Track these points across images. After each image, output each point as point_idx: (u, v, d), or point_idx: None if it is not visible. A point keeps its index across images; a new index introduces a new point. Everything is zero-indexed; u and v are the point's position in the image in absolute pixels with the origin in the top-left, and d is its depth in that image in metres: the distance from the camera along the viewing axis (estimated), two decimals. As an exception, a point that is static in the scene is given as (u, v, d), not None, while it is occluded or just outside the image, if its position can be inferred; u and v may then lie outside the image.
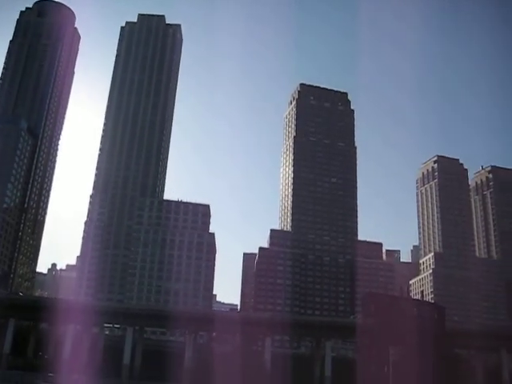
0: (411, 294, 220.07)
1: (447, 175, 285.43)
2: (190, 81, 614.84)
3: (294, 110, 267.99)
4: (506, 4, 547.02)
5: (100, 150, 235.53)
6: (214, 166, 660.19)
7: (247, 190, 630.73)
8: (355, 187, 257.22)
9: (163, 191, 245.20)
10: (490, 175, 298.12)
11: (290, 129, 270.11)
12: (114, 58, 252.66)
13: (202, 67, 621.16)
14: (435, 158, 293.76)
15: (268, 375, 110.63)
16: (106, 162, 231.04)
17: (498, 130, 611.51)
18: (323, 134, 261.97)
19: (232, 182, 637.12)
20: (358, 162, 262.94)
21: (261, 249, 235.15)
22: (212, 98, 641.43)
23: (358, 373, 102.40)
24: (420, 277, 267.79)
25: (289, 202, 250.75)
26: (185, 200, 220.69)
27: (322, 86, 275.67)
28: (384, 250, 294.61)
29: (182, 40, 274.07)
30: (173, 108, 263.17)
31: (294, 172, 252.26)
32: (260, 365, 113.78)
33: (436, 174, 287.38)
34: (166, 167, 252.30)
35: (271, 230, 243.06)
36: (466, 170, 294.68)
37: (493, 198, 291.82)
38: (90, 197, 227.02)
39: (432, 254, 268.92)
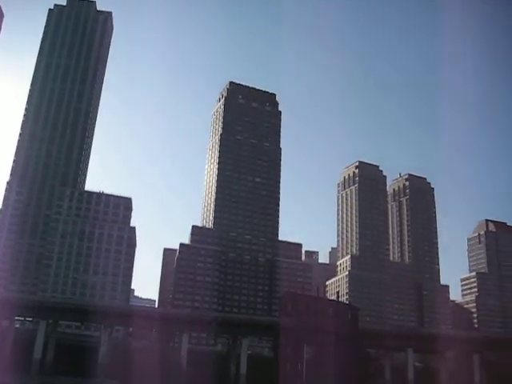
0: (327, 295, 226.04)
1: (367, 181, 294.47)
2: (118, 71, 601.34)
3: (222, 107, 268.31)
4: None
5: (20, 134, 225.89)
6: (137, 159, 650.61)
7: (171, 186, 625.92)
8: (278, 188, 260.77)
9: (85, 182, 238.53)
10: (407, 183, 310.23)
11: (217, 126, 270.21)
12: (39, 41, 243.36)
13: (131, 58, 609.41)
14: (356, 164, 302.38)
15: (184, 372, 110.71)
16: (25, 148, 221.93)
17: (415, 139, 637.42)
18: (250, 133, 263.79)
19: (156, 177, 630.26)
20: (282, 163, 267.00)
21: (181, 245, 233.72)
22: (140, 90, 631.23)
23: (273, 370, 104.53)
24: (336, 278, 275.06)
25: (212, 199, 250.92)
26: (107, 192, 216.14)
27: (251, 85, 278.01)
28: (303, 251, 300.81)
29: (112, 28, 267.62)
30: (99, 97, 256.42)
31: (218, 169, 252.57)
32: (176, 361, 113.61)
33: (357, 179, 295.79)
34: (88, 157, 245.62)
35: (193, 227, 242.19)
36: (385, 176, 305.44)
37: (408, 204, 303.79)
38: (7, 183, 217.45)
39: (349, 256, 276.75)
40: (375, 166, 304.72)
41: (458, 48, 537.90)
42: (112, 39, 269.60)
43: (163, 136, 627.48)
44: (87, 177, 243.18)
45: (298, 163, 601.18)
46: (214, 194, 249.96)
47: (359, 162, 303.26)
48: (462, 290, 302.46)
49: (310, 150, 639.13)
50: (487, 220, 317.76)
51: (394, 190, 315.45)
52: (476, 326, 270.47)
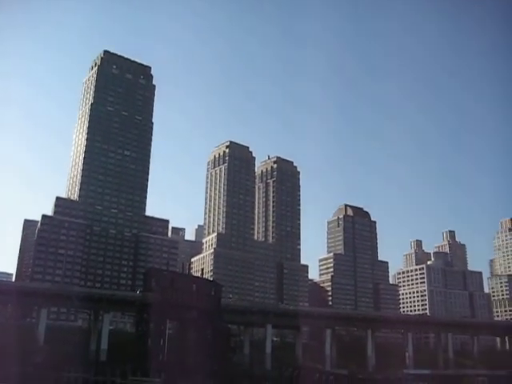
0: (192, 271, 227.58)
1: (236, 161, 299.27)
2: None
3: (95, 76, 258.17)
4: None
5: None
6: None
7: (34, 154, 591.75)
8: (148, 162, 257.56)
9: None
10: (275, 165, 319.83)
11: (88, 95, 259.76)
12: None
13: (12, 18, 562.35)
14: (227, 143, 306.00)
15: (41, 348, 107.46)
16: None
17: (286, 122, 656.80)
18: (122, 105, 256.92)
19: (19, 144, 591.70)
20: (153, 137, 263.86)
21: (44, 216, 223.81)
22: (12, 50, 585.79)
23: (135, 346, 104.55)
24: (202, 255, 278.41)
25: (78, 171, 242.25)
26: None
27: (126, 56, 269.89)
28: (170, 227, 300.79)
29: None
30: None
31: (87, 140, 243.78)
32: (33, 337, 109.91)
33: (226, 158, 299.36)
34: None
35: (57, 198, 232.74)
36: (254, 157, 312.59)
37: (275, 186, 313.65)
38: None
39: (215, 234, 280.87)
40: (245, 146, 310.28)
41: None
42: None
43: (33, 101, 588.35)
44: None
45: (170, 139, 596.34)
46: (81, 165, 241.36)
47: (230, 141, 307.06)
48: (320, 270, 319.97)
49: (183, 127, 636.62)
50: (346, 205, 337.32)
51: (262, 171, 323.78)
52: (330, 303, 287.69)
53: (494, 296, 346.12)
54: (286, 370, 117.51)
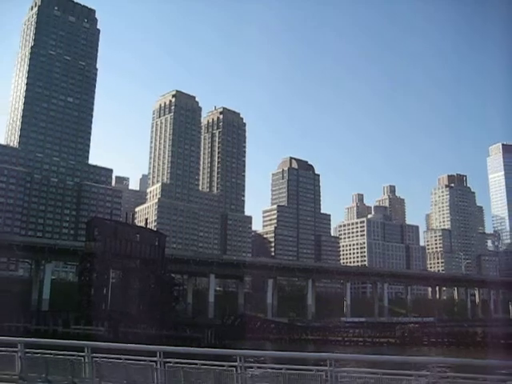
0: (136, 221, 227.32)
1: (182, 110, 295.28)
2: None
3: (35, 17, 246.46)
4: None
5: None
6: None
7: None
8: (91, 109, 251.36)
9: None
10: (221, 116, 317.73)
11: (28, 37, 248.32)
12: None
13: None
14: (174, 92, 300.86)
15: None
16: None
17: (232, 71, 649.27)
18: (64, 49, 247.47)
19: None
20: (97, 84, 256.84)
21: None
22: None
23: (78, 295, 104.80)
24: (146, 205, 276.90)
25: (18, 117, 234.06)
26: None
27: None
28: (114, 176, 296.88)
29: None
30: None
31: (27, 85, 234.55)
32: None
33: (172, 107, 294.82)
34: None
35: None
36: (201, 108, 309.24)
37: (220, 137, 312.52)
38: None
39: (159, 184, 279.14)
40: (192, 96, 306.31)
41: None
42: None
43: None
44: None
45: (115, 86, 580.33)
46: (20, 110, 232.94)
47: (176, 91, 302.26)
48: (264, 222, 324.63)
49: (129, 74, 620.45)
50: (291, 158, 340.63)
51: (208, 121, 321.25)
52: (273, 254, 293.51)
53: (428, 249, 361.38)
54: (228, 319, 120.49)
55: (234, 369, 14.89)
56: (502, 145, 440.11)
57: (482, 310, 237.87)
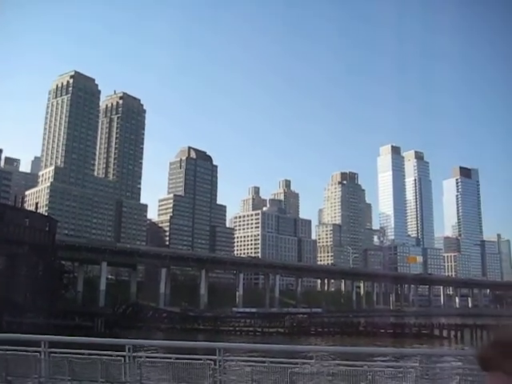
0: (26, 205, 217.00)
1: (81, 92, 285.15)
2: None
3: None
4: None
5: None
6: None
7: None
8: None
9: None
10: (121, 101, 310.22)
11: None
12: None
13: None
14: (72, 73, 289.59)
15: None
16: None
17: (133, 56, 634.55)
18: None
19: None
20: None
21: None
22: None
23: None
24: (37, 189, 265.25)
25: None
26: None
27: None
28: (3, 157, 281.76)
29: None
30: None
31: None
32: None
33: (70, 89, 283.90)
34: None
35: None
36: (100, 91, 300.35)
37: (119, 123, 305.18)
38: None
39: (53, 167, 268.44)
40: (91, 78, 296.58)
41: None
42: None
43: None
44: None
45: (9, 62, 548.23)
46: None
47: (75, 71, 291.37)
48: (159, 210, 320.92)
49: (25, 49, 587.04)
50: (190, 147, 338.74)
51: (106, 105, 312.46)
52: (167, 243, 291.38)
53: (319, 242, 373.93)
54: (119, 308, 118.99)
55: (123, 358, 14.71)
56: (391, 146, 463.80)
57: (366, 301, 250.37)
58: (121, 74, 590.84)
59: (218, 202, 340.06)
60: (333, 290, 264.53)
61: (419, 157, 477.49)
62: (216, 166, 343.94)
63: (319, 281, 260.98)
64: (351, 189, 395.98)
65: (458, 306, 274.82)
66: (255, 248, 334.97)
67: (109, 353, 14.96)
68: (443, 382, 14.21)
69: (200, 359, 14.45)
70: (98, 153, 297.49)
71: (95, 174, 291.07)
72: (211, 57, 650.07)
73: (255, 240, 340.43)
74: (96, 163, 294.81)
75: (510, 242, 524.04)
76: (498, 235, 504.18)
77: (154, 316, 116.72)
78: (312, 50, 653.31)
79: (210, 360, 14.19)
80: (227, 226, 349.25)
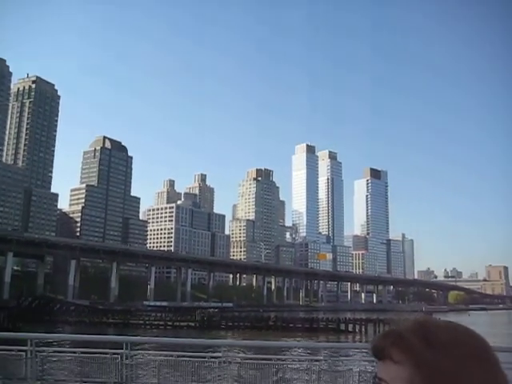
0: None
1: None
2: None
3: None
4: None
5: None
6: None
7: None
8: None
9: None
10: (34, 85, 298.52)
11: None
12: None
13: None
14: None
15: None
16: None
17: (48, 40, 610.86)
18: None
19: None
20: None
21: None
22: None
23: None
24: None
25: None
26: None
27: None
28: None
29: None
30: None
31: None
32: None
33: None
34: None
35: None
36: (11, 73, 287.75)
37: (31, 108, 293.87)
38: None
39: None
40: (2, 59, 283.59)
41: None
42: None
43: None
44: None
45: None
46: None
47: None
48: (71, 200, 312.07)
49: None
50: (104, 137, 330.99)
51: (18, 89, 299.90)
52: (78, 234, 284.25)
53: (233, 237, 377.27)
54: (24, 300, 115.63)
55: (24, 353, 14.10)
56: (307, 145, 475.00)
57: (276, 296, 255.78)
58: (36, 58, 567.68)
59: (132, 193, 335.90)
60: (244, 284, 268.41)
61: (333, 157, 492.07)
62: (131, 157, 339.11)
63: (231, 276, 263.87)
64: (266, 185, 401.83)
65: (363, 301, 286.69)
66: (168, 241, 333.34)
67: (9, 348, 14.36)
68: (346, 373, 14.63)
69: (106, 353, 14.12)
70: (7, 138, 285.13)
71: (3, 159, 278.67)
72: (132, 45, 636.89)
73: (169, 233, 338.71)
74: (5, 149, 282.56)
75: (413, 242, 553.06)
76: (403, 235, 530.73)
77: (62, 309, 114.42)
78: (228, 40, 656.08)
79: (117, 354, 13.90)
80: (141, 218, 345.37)
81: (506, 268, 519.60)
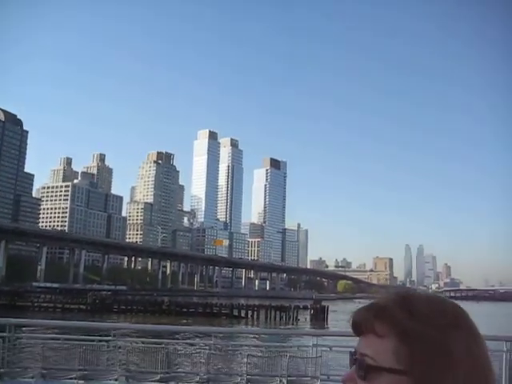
0: None
1: None
2: None
3: None
4: None
5: None
6: None
7: None
8: None
9: None
10: None
11: None
12: None
13: None
14: None
15: None
16: None
17: None
18: None
19: None
20: None
21: None
22: None
23: None
24: None
25: None
26: None
27: None
28: None
29: None
30: None
31: None
32: None
33: None
34: None
35: None
36: None
37: None
38: None
39: None
40: None
41: None
42: None
43: None
44: None
45: None
46: None
47: None
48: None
49: None
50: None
51: None
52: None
53: (130, 220, 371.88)
54: None
55: None
56: (209, 131, 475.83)
57: (171, 280, 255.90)
58: None
59: (26, 169, 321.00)
60: (140, 268, 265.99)
61: (234, 144, 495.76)
62: (26, 132, 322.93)
63: (126, 258, 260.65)
64: (166, 169, 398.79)
65: (257, 288, 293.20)
66: (62, 221, 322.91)
67: None
68: (235, 357, 15.19)
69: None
70: None
71: None
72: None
73: (63, 213, 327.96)
74: None
75: (308, 232, 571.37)
76: (298, 224, 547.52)
77: None
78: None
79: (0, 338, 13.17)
80: (34, 195, 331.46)
81: (391, 260, 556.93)
